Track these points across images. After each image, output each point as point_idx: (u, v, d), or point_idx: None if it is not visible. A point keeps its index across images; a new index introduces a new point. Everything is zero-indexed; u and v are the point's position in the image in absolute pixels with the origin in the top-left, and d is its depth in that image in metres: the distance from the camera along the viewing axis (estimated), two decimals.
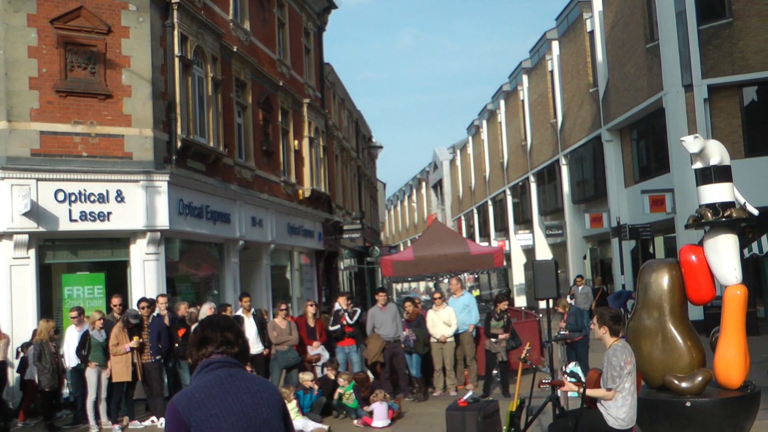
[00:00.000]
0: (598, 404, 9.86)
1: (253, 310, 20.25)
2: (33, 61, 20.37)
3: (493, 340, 19.72)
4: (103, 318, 17.79)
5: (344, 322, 19.88)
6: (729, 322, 11.73)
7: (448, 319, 20.31)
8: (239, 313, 20.04)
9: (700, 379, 11.27)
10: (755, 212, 11.99)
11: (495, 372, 21.25)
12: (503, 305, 20.32)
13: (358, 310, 20.59)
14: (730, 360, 11.56)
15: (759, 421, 12.22)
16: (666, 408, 11.34)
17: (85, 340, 17.43)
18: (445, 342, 20.14)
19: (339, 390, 17.74)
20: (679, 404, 11.19)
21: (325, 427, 16.35)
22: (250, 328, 19.41)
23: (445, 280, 34.91)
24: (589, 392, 9.86)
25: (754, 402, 11.57)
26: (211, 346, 4.86)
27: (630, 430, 9.95)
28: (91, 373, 17.36)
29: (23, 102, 20.19)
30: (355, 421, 16.99)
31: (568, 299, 32.20)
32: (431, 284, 56.39)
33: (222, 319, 5.12)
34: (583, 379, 10.42)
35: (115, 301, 18.75)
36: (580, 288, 32.31)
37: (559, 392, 10.96)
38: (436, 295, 21.42)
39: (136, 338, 17.45)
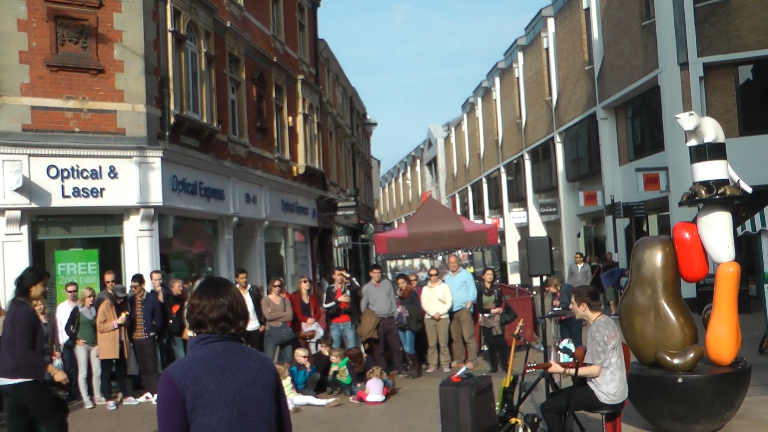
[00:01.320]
0: (588, 381, 9.90)
1: (249, 286, 20.25)
2: (23, 34, 20.18)
3: (486, 315, 19.78)
4: (93, 295, 17.74)
5: (339, 298, 19.91)
6: (721, 300, 11.80)
7: (443, 296, 20.34)
8: None
9: (692, 355, 11.33)
10: (749, 190, 12.02)
11: (485, 348, 21.39)
12: (488, 276, 20.38)
13: (354, 282, 20.74)
14: (722, 337, 11.63)
15: (749, 397, 12.33)
16: (658, 384, 11.40)
17: (74, 317, 17.39)
18: (439, 319, 20.16)
19: (333, 367, 17.78)
20: (671, 380, 11.27)
21: (323, 402, 16.40)
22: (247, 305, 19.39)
23: (440, 257, 34.94)
24: (579, 372, 9.90)
25: (744, 378, 11.66)
26: (210, 321, 4.74)
27: (622, 404, 10.00)
28: (80, 351, 17.39)
29: (13, 76, 20.04)
30: (350, 398, 17.03)
31: (566, 276, 32.30)
32: (426, 261, 56.46)
33: (223, 294, 4.93)
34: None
35: (108, 277, 18.56)
36: (579, 266, 32.20)
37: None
38: (432, 272, 21.44)
39: (123, 314, 17.43)
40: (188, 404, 4.48)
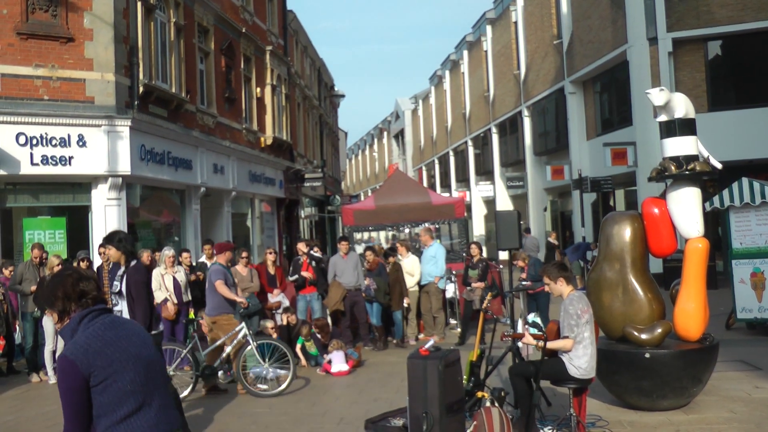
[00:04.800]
0: (560, 353, 9.94)
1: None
2: None
3: (468, 288, 19.81)
4: (61, 264, 17.40)
5: (303, 273, 19.90)
6: (690, 275, 11.84)
7: (411, 269, 20.36)
8: (202, 259, 19.97)
9: (659, 330, 11.38)
10: (719, 166, 12.08)
11: (453, 321, 21.50)
12: (473, 250, 20.39)
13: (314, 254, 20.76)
14: (690, 312, 11.69)
15: (716, 373, 12.45)
16: (625, 359, 11.44)
17: (41, 286, 16.98)
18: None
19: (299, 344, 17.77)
20: (639, 355, 11.30)
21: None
22: None
23: (406, 230, 34.98)
24: (550, 344, 9.93)
25: (712, 354, 11.72)
26: (90, 296, 5.07)
27: (590, 380, 10.05)
28: (47, 322, 16.83)
29: None
30: (317, 369, 17.04)
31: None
32: (391, 234, 56.50)
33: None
34: (544, 330, 10.49)
35: (36, 252, 18.19)
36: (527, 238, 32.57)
37: (519, 343, 11.04)
38: (399, 245, 21.44)
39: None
40: (94, 379, 4.72)
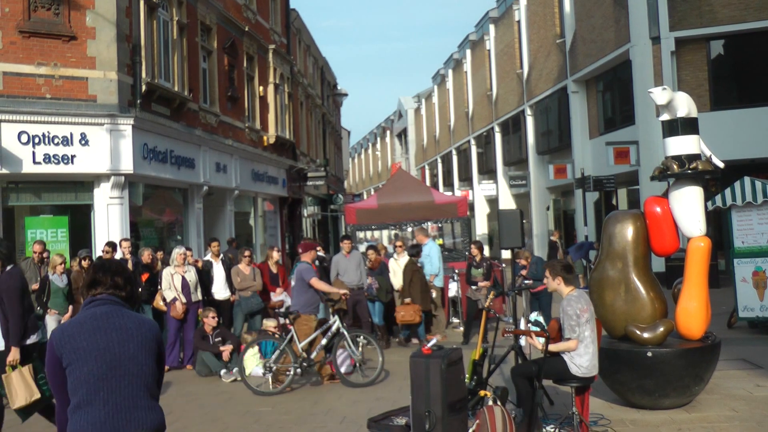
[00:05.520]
0: (561, 353, 9.94)
1: (221, 255, 20.20)
2: None
3: (473, 287, 19.79)
4: (64, 262, 17.32)
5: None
6: (692, 274, 11.84)
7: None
8: (208, 258, 19.96)
9: (661, 329, 11.38)
10: (721, 165, 12.07)
11: (455, 320, 21.49)
12: (474, 250, 20.36)
13: (322, 254, 20.80)
14: (692, 311, 11.68)
15: (718, 371, 12.44)
16: (627, 358, 11.45)
17: (44, 286, 16.81)
18: None
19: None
20: (641, 354, 11.32)
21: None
22: (219, 274, 19.38)
23: (409, 229, 34.92)
24: (553, 347, 9.94)
25: (714, 353, 11.72)
26: (101, 287, 5.29)
27: (592, 379, 10.05)
28: (50, 322, 16.69)
29: None
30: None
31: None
32: (393, 233, 56.46)
33: (115, 264, 5.51)
34: (545, 328, 10.49)
35: (36, 248, 17.97)
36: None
37: (522, 341, 11.04)
38: (398, 243, 21.41)
39: None
40: (64, 361, 5.01)
